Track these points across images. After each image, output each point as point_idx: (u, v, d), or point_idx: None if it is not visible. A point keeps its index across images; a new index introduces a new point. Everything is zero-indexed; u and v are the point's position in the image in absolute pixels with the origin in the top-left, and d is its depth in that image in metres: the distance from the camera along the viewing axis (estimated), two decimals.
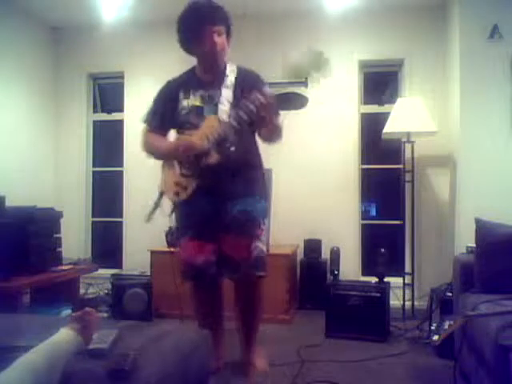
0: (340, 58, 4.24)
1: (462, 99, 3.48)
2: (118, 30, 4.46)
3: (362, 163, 4.35)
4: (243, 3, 3.95)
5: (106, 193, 4.91)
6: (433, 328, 3.00)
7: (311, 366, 2.62)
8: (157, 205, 2.50)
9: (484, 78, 3.42)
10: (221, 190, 2.35)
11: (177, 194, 2.39)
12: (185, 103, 2.39)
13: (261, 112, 2.22)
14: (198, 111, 2.36)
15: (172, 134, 2.54)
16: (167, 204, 2.49)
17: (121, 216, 4.65)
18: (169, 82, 2.54)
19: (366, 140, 4.37)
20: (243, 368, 2.50)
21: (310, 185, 4.23)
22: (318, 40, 4.28)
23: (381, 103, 4.40)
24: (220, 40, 2.34)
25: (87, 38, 4.65)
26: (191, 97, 2.39)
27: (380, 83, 4.57)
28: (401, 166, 3.96)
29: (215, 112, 2.34)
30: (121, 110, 4.72)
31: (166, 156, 2.45)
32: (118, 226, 4.67)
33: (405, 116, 3.68)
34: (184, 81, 2.47)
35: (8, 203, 3.12)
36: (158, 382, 1.29)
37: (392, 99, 4.11)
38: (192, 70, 2.50)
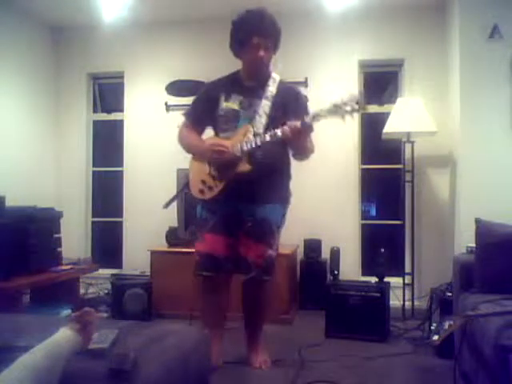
0: (340, 58, 4.25)
1: (462, 99, 3.48)
2: (118, 30, 4.46)
3: (362, 163, 4.35)
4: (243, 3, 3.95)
5: (106, 193, 4.91)
6: (433, 328, 3.01)
7: (311, 366, 2.62)
8: (179, 193, 2.60)
9: (484, 78, 3.42)
10: (245, 195, 2.45)
11: (202, 191, 2.50)
12: (224, 105, 2.51)
13: (295, 137, 2.33)
14: (235, 114, 2.48)
15: (208, 132, 2.65)
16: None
17: (121, 216, 4.65)
18: (211, 83, 2.67)
19: (366, 140, 4.37)
20: (246, 365, 2.58)
21: (310, 185, 4.23)
22: (318, 40, 4.29)
23: (381, 103, 4.40)
24: (266, 53, 2.46)
25: (87, 38, 4.65)
26: (231, 100, 2.51)
27: (380, 83, 4.57)
28: (401, 166, 3.96)
29: (251, 117, 2.45)
30: (121, 109, 4.73)
31: (198, 152, 2.55)
32: (118, 226, 4.67)
33: (405, 116, 3.68)
34: (227, 83, 2.59)
35: (8, 203, 3.12)
36: (158, 382, 1.29)
37: (392, 99, 4.11)
38: (237, 74, 2.62)
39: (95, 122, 4.87)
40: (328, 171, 4.22)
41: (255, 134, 2.40)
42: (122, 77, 4.68)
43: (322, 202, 4.21)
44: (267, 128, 2.42)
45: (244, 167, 2.40)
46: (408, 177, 3.85)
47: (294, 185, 4.37)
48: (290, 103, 2.52)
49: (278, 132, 2.34)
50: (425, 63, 4.12)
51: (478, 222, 2.45)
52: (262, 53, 2.44)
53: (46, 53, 4.67)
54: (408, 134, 3.74)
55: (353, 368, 2.62)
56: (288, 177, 2.67)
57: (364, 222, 4.35)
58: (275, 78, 2.58)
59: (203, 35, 4.42)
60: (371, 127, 4.31)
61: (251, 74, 2.55)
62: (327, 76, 4.27)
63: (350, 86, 4.25)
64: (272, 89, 2.52)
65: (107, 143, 4.93)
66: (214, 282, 2.55)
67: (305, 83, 4.25)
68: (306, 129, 2.33)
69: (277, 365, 2.62)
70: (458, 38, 3.53)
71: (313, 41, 4.29)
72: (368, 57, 4.29)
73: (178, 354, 1.48)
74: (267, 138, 2.37)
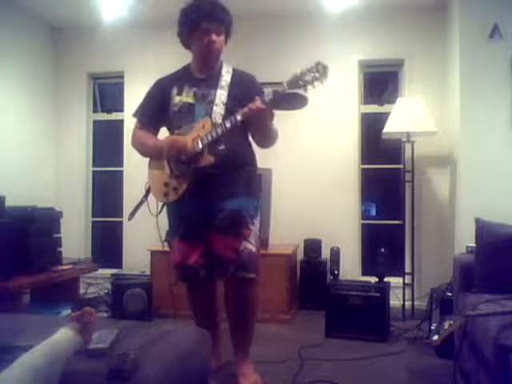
0: (340, 58, 4.24)
1: (462, 99, 3.48)
2: (118, 30, 4.46)
3: (362, 163, 4.35)
4: (244, 3, 3.95)
5: (106, 193, 4.91)
6: (433, 328, 3.01)
7: (311, 366, 2.62)
8: (142, 202, 2.48)
9: (484, 78, 3.42)
10: (212, 191, 2.30)
11: (166, 194, 2.33)
12: (177, 99, 2.36)
13: (255, 117, 2.18)
14: (190, 108, 2.32)
15: (163, 132, 2.52)
16: (153, 202, 2.47)
17: (121, 216, 4.64)
18: (161, 79, 2.51)
19: (366, 140, 4.37)
20: (234, 380, 2.35)
21: (310, 185, 4.23)
22: (318, 40, 4.29)
23: (381, 103, 4.40)
24: (217, 39, 2.31)
25: (87, 38, 4.65)
26: (184, 93, 2.36)
27: (380, 83, 4.57)
28: (401, 166, 3.96)
29: (207, 110, 2.29)
30: (121, 109, 4.72)
31: (155, 154, 2.38)
32: (118, 226, 4.67)
33: (405, 116, 3.67)
34: (178, 77, 2.44)
35: (8, 203, 3.12)
36: (157, 382, 1.29)
37: (392, 99, 4.11)
38: (187, 67, 2.47)
39: (95, 122, 4.87)
40: (328, 171, 4.22)
41: (214, 125, 2.22)
42: (122, 77, 4.68)
43: (322, 201, 4.21)
44: (225, 118, 2.23)
45: (207, 160, 2.22)
46: (408, 177, 3.85)
47: (293, 185, 4.38)
48: (247, 89, 2.32)
49: (238, 116, 2.16)
50: (425, 63, 4.12)
51: (477, 221, 2.45)
52: (213, 37, 2.28)
53: (45, 53, 4.67)
54: (408, 134, 3.74)
55: (353, 368, 2.62)
56: (255, 167, 2.47)
57: (364, 221, 4.35)
58: (228, 66, 2.43)
59: None
60: (371, 127, 4.31)
61: (203, 63, 2.37)
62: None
63: (350, 86, 4.27)
64: (226, 78, 2.37)
65: (107, 143, 4.92)
66: (193, 288, 2.49)
67: None
68: (267, 106, 2.15)
69: (277, 365, 2.62)
70: (458, 38, 3.53)
71: (313, 41, 4.28)
72: (368, 57, 4.29)
73: (177, 354, 1.48)
74: (227, 124, 2.18)
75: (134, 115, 2.55)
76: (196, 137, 2.23)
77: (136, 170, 4.55)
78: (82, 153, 4.76)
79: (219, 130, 2.20)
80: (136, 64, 4.60)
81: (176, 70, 2.50)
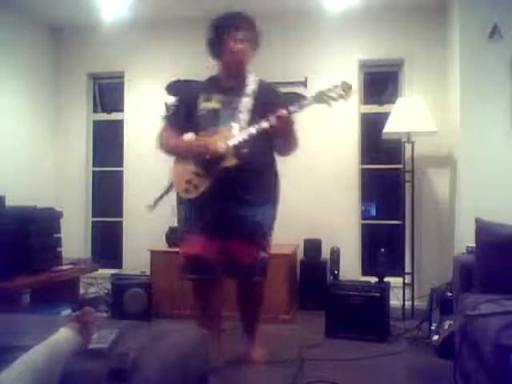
0: (340, 58, 4.25)
1: (462, 99, 3.48)
2: (118, 30, 4.46)
3: (362, 163, 4.34)
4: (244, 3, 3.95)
5: (106, 193, 4.90)
6: (433, 328, 3.01)
7: (311, 366, 2.62)
8: (163, 195, 2.57)
9: (484, 78, 3.42)
10: (233, 194, 2.41)
11: (187, 191, 2.44)
12: (204, 105, 2.48)
13: (280, 125, 2.30)
14: (216, 113, 2.45)
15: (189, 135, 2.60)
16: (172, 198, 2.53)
17: (121, 216, 4.64)
18: (192, 85, 2.72)
19: (366, 140, 4.36)
20: (245, 363, 2.61)
21: (310, 185, 4.23)
22: (318, 40, 4.29)
23: (381, 103, 4.40)
24: (242, 47, 2.42)
25: (87, 38, 4.65)
26: (211, 100, 2.48)
27: (380, 83, 4.57)
28: (401, 166, 3.96)
29: (232, 115, 2.41)
30: (121, 109, 4.72)
31: (178, 153, 2.52)
32: (118, 226, 4.66)
33: (405, 116, 3.67)
34: (206, 85, 2.57)
35: (8, 203, 3.12)
36: (157, 382, 1.29)
37: (392, 99, 4.11)
38: (215, 76, 2.60)
39: (95, 122, 4.87)
40: (328, 171, 4.22)
41: (240, 130, 2.36)
42: (122, 77, 4.68)
43: (322, 202, 4.21)
44: (251, 124, 2.37)
45: (230, 161, 2.34)
46: (408, 177, 3.85)
47: (293, 185, 4.38)
48: (272, 98, 2.48)
49: (264, 123, 2.30)
50: (425, 63, 4.12)
51: (477, 221, 2.45)
52: (240, 46, 2.42)
53: (45, 53, 4.67)
54: (408, 134, 3.74)
55: (353, 368, 2.62)
56: (276, 175, 2.63)
57: (364, 221, 4.35)
58: (254, 77, 2.55)
59: (203, 35, 4.40)
60: (371, 127, 4.31)
61: (230, 72, 2.52)
62: (327, 76, 4.26)
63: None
64: (252, 87, 2.49)
65: (107, 143, 4.92)
66: (203, 285, 2.51)
67: (304, 83, 4.25)
68: (287, 114, 2.30)
69: (277, 365, 2.62)
70: (458, 38, 3.53)
71: (313, 41, 4.28)
72: (368, 57, 4.29)
73: (177, 354, 1.48)
74: (253, 130, 2.32)
75: (164, 117, 2.72)
76: (221, 139, 2.35)
77: (136, 170, 4.56)
78: (82, 153, 4.76)
79: (244, 135, 2.33)
80: (136, 64, 4.60)
81: (204, 79, 2.64)
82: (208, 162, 2.38)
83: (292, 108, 2.30)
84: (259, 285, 2.58)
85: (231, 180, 2.37)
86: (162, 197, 2.61)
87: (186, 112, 2.54)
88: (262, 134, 2.33)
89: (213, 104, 2.46)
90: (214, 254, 2.44)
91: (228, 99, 2.45)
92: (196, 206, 2.48)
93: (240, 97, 2.45)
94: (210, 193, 2.39)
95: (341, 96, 2.27)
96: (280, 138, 2.47)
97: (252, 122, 2.37)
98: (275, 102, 2.43)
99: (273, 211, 2.58)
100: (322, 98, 2.27)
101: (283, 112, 2.27)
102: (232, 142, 2.33)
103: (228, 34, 2.41)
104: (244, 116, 2.41)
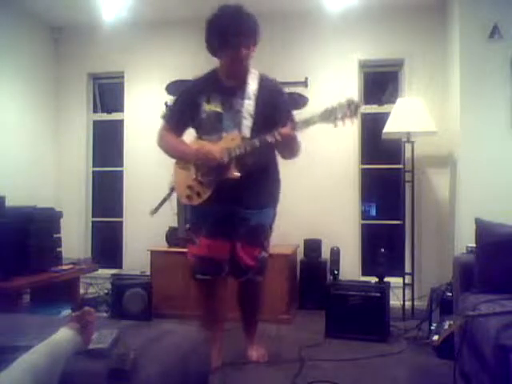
0: (340, 58, 4.25)
1: (462, 99, 3.48)
2: (118, 30, 4.46)
3: (362, 163, 4.35)
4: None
5: (106, 193, 4.91)
6: (433, 328, 3.00)
7: (311, 366, 2.62)
8: (165, 200, 2.57)
9: (484, 78, 3.42)
10: (235, 199, 2.43)
11: (189, 197, 2.46)
12: (205, 107, 2.45)
13: (285, 142, 2.33)
14: (218, 117, 2.43)
15: (188, 136, 2.60)
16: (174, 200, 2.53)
17: (121, 216, 4.65)
18: (192, 84, 2.61)
19: (366, 140, 4.37)
20: (245, 363, 2.63)
21: (310, 185, 4.23)
22: (318, 40, 4.29)
23: (381, 103, 4.40)
24: (245, 51, 2.37)
25: (87, 38, 4.65)
26: (212, 102, 2.45)
27: (380, 83, 4.57)
28: (401, 166, 3.95)
29: (235, 120, 2.40)
30: (121, 110, 4.73)
31: (182, 158, 2.51)
32: (118, 226, 4.67)
33: (405, 116, 3.67)
34: (206, 84, 2.51)
35: (8, 203, 3.12)
36: (157, 382, 1.29)
37: (392, 99, 4.11)
38: (214, 73, 2.53)
39: (95, 122, 4.87)
40: (328, 171, 4.22)
41: (243, 139, 2.36)
42: (122, 77, 4.68)
43: (322, 202, 4.21)
44: (254, 129, 2.37)
45: (233, 175, 2.36)
46: (408, 177, 3.85)
47: (293, 185, 4.38)
48: (275, 101, 2.46)
49: (268, 138, 2.30)
50: (425, 63, 4.12)
51: (477, 221, 2.45)
52: (240, 52, 2.36)
53: (46, 53, 4.67)
54: (408, 134, 3.74)
55: (353, 368, 2.62)
56: (278, 178, 2.66)
57: (364, 221, 4.35)
58: (255, 73, 2.50)
59: (203, 35, 4.40)
60: (371, 127, 4.31)
61: (230, 73, 2.47)
62: (327, 76, 4.27)
63: (350, 86, 4.26)
64: (253, 86, 2.45)
65: (107, 143, 4.92)
66: (210, 286, 2.53)
67: (305, 83, 4.25)
68: (292, 130, 2.31)
69: (277, 365, 2.63)
70: (458, 38, 3.53)
71: (313, 41, 4.29)
72: (368, 57, 4.29)
73: (177, 354, 1.48)
74: (256, 143, 2.32)
75: (163, 117, 2.72)
76: (224, 148, 2.35)
77: (136, 170, 4.57)
78: (82, 153, 4.76)
79: (248, 147, 2.32)
80: (136, 64, 4.60)
81: (205, 73, 2.57)
82: (211, 171, 2.39)
83: (298, 125, 2.31)
84: (259, 284, 2.63)
85: (234, 189, 2.39)
86: (163, 202, 2.62)
87: (186, 112, 2.53)
88: (265, 144, 2.34)
89: (215, 107, 2.43)
90: (223, 255, 2.49)
91: (229, 101, 2.42)
92: (200, 210, 2.51)
93: (242, 99, 2.41)
94: (212, 201, 2.42)
95: (346, 115, 2.22)
96: (283, 149, 2.50)
97: (255, 127, 2.37)
98: (278, 103, 2.44)
99: (273, 212, 2.62)
100: (328, 116, 2.25)
101: (288, 130, 2.28)
102: (235, 154, 2.33)
103: (235, 38, 2.34)
104: (247, 122, 2.39)
